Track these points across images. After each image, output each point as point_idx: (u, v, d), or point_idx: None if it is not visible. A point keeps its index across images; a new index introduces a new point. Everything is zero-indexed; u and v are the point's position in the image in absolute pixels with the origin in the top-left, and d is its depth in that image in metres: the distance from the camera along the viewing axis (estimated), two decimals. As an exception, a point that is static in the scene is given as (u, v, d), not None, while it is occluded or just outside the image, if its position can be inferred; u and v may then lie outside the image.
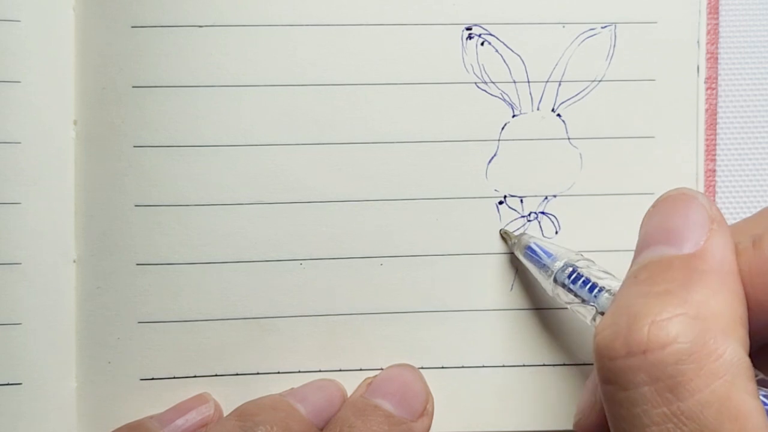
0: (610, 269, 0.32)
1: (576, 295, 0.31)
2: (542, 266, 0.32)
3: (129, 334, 0.34)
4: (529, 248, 0.33)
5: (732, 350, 0.23)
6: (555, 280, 0.31)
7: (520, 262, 0.34)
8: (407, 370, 0.34)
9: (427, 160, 0.34)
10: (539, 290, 0.35)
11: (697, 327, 0.23)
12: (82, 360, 0.34)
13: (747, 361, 0.23)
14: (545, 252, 0.32)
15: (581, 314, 0.31)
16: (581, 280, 0.30)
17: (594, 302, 0.30)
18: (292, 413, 0.32)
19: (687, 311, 0.23)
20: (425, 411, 0.33)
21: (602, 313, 0.29)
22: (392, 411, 0.32)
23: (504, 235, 0.34)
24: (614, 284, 0.30)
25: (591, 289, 0.30)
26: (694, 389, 0.23)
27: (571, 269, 0.31)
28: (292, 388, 0.33)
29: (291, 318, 0.34)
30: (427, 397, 0.33)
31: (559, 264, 0.31)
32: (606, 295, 0.30)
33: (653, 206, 0.27)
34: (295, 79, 0.34)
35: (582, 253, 0.32)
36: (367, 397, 0.32)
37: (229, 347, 0.34)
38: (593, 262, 0.31)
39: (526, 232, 0.34)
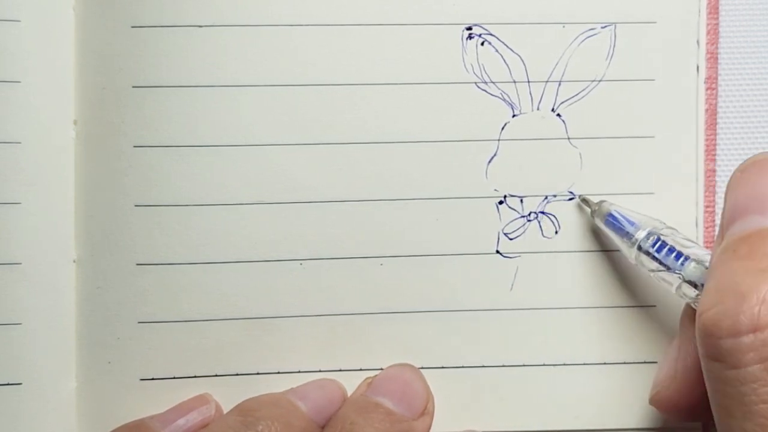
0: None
1: (661, 263, 0.30)
2: (625, 234, 0.32)
3: (129, 334, 0.34)
4: (611, 215, 0.33)
5: None
6: (639, 248, 0.31)
7: (524, 254, 0.34)
8: (408, 370, 0.34)
9: (427, 160, 0.34)
10: (539, 290, 0.35)
11: None
12: (82, 360, 0.34)
13: None
14: (628, 220, 0.32)
15: (666, 282, 0.31)
16: (666, 248, 0.30)
17: (680, 271, 0.30)
18: (293, 410, 0.32)
19: None
20: (426, 410, 0.33)
21: (689, 282, 0.29)
22: (393, 409, 0.32)
23: (582, 203, 0.34)
24: (700, 252, 0.30)
25: (677, 258, 0.30)
26: None
27: (655, 237, 0.31)
28: (293, 387, 0.33)
29: (291, 318, 0.34)
30: (428, 397, 0.33)
31: (642, 232, 0.31)
32: (693, 264, 0.30)
33: (740, 171, 0.27)
34: (295, 79, 0.34)
35: (664, 222, 0.32)
36: (368, 396, 0.33)
37: (229, 347, 0.34)
38: (676, 230, 0.31)
39: (605, 199, 0.34)
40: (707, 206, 0.35)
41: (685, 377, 0.30)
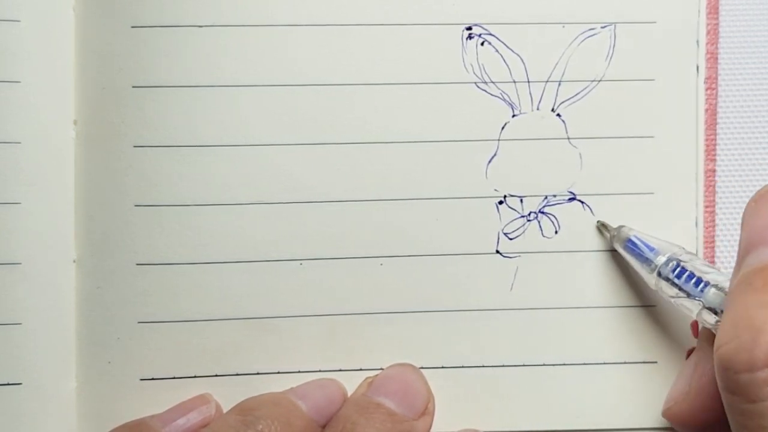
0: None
1: (681, 289, 0.31)
2: (645, 260, 0.32)
3: (129, 334, 0.34)
4: (630, 241, 0.33)
5: None
6: (659, 274, 0.31)
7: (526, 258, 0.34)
8: (409, 369, 0.34)
9: (427, 160, 0.34)
10: (539, 290, 0.35)
11: None
12: (82, 360, 0.34)
13: None
14: (647, 245, 0.32)
15: (686, 308, 0.31)
16: (686, 274, 0.31)
17: (700, 297, 0.30)
18: (293, 409, 0.32)
19: None
20: (427, 410, 0.33)
21: (709, 308, 0.30)
22: (394, 409, 0.32)
23: (601, 228, 0.34)
24: (720, 278, 0.30)
25: (697, 284, 0.30)
26: None
27: (675, 263, 0.31)
28: (293, 387, 0.33)
29: (291, 318, 0.34)
30: (429, 396, 0.33)
31: (662, 258, 0.31)
32: (713, 290, 0.30)
33: (755, 201, 0.27)
34: (295, 79, 0.34)
35: (683, 247, 0.32)
36: (369, 396, 0.33)
37: (229, 347, 0.34)
38: (696, 255, 0.32)
39: (625, 224, 0.34)
40: (707, 206, 0.35)
41: (698, 395, 0.30)
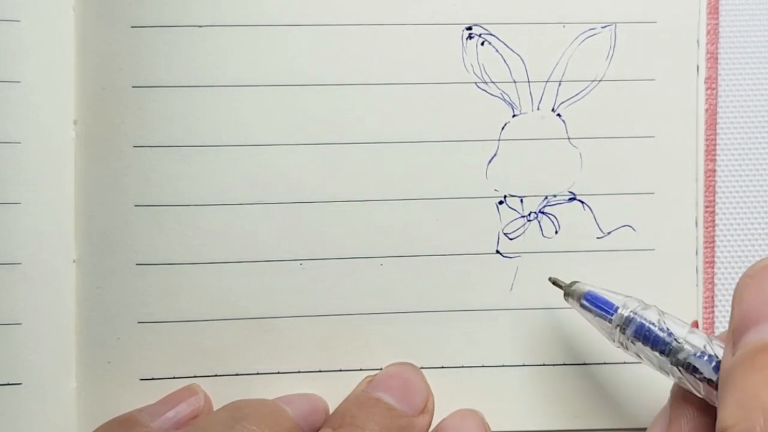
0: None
1: (644, 345, 0.29)
2: (603, 317, 0.30)
3: (129, 334, 0.34)
4: (587, 298, 0.31)
5: None
6: (622, 331, 0.30)
7: (521, 261, 0.34)
8: (409, 368, 0.34)
9: (427, 160, 0.34)
10: (540, 290, 0.35)
11: None
12: (82, 360, 0.34)
13: None
14: (604, 302, 0.30)
15: (651, 364, 0.30)
16: (646, 331, 0.29)
17: (669, 353, 0.29)
18: (281, 411, 0.32)
19: None
20: (426, 408, 0.33)
21: (678, 365, 0.28)
22: (394, 404, 0.32)
23: (554, 283, 0.32)
24: (682, 331, 0.29)
25: (664, 341, 0.29)
26: None
27: (635, 319, 0.29)
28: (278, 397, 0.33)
29: (291, 318, 0.34)
30: (428, 394, 0.33)
31: (624, 312, 0.30)
32: (677, 344, 0.28)
33: (749, 277, 0.26)
34: (295, 79, 0.34)
35: (643, 300, 0.30)
36: (368, 391, 0.33)
37: (229, 347, 0.34)
38: (656, 307, 0.30)
39: (579, 280, 0.32)
40: (707, 206, 0.35)
41: None
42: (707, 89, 0.35)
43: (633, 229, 0.35)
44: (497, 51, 0.34)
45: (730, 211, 0.36)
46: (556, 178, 0.35)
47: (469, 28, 0.34)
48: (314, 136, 0.34)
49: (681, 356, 0.28)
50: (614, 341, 0.30)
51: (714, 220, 0.35)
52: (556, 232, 0.35)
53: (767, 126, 0.36)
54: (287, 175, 0.34)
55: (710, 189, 0.35)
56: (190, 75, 0.34)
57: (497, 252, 0.35)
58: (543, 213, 0.35)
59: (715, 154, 0.35)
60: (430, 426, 0.33)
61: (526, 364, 0.35)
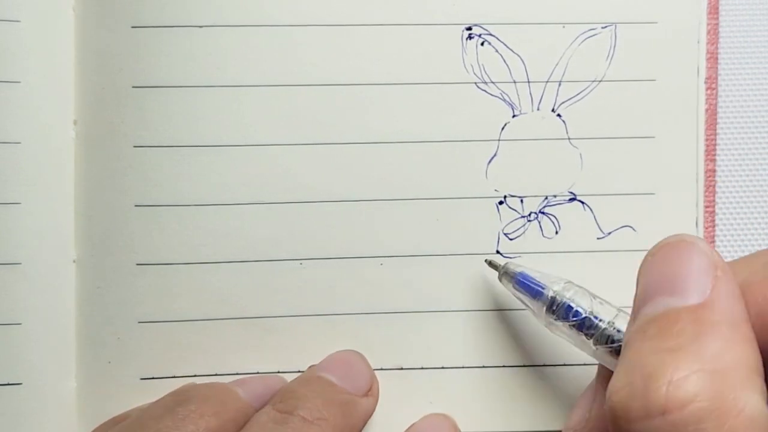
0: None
1: (569, 328, 0.30)
2: (534, 296, 0.31)
3: (129, 334, 0.34)
4: (518, 280, 0.32)
5: (752, 403, 0.22)
6: (547, 312, 0.31)
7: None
8: (352, 353, 0.34)
9: (427, 160, 0.34)
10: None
11: (716, 383, 0.23)
12: (82, 360, 0.34)
13: (767, 412, 0.23)
14: (534, 282, 0.32)
15: (577, 345, 0.30)
16: (572, 312, 0.30)
17: (589, 335, 0.30)
18: (228, 392, 0.31)
19: (703, 367, 0.23)
20: (371, 391, 0.33)
21: (603, 343, 0.29)
22: (336, 382, 0.32)
23: (489, 265, 0.33)
24: (609, 313, 0.30)
25: (581, 323, 0.30)
26: None
27: (561, 301, 0.31)
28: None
29: (291, 318, 0.34)
30: (372, 379, 0.33)
31: (550, 293, 0.31)
32: (597, 322, 0.29)
33: (651, 255, 0.27)
34: (295, 79, 0.34)
35: (571, 281, 0.31)
36: (312, 371, 0.33)
37: (229, 347, 0.34)
38: (581, 288, 0.31)
39: (510, 260, 0.33)
40: (707, 206, 0.35)
41: (597, 424, 0.29)
42: (707, 89, 0.35)
43: (633, 229, 0.35)
44: (497, 51, 0.34)
45: (730, 211, 0.36)
46: (556, 179, 0.35)
47: (469, 29, 0.34)
48: (314, 136, 0.34)
49: (599, 334, 0.29)
50: (543, 321, 0.31)
51: (714, 220, 0.35)
52: (557, 233, 0.35)
53: (767, 126, 0.36)
54: (287, 175, 0.34)
55: (710, 189, 0.35)
56: (190, 75, 0.34)
57: (497, 252, 0.35)
58: (543, 213, 0.35)
59: (715, 154, 0.35)
60: (373, 411, 0.33)
61: (526, 364, 0.35)
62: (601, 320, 0.30)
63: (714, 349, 0.23)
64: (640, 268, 0.27)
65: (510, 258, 0.35)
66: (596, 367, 0.31)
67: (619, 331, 0.29)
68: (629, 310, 0.27)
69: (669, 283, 0.25)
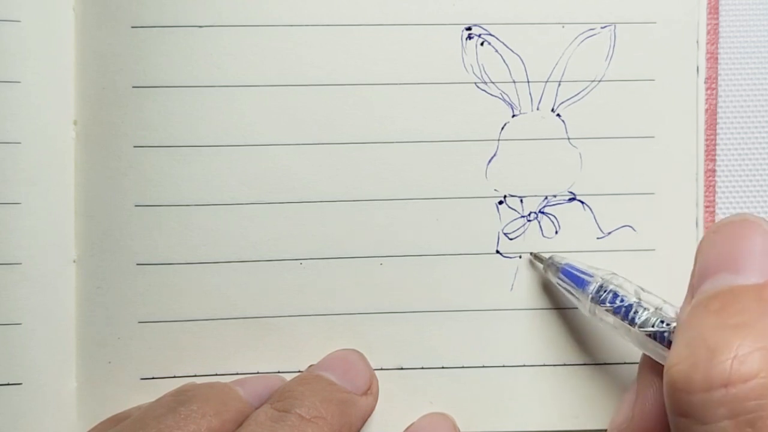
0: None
1: (617, 316, 0.30)
2: (579, 288, 0.32)
3: (129, 334, 0.34)
4: (564, 270, 0.33)
5: None
6: (593, 301, 0.31)
7: (525, 264, 0.34)
8: (351, 352, 0.34)
9: (427, 160, 0.34)
10: (540, 290, 0.35)
11: None
12: (82, 360, 0.34)
13: None
14: (581, 272, 0.32)
15: (622, 336, 0.31)
16: (619, 299, 0.30)
17: (638, 321, 0.30)
18: (229, 391, 0.31)
19: (766, 344, 0.23)
20: (370, 390, 0.33)
21: (649, 334, 0.29)
22: (335, 380, 0.32)
23: (534, 258, 0.34)
24: (655, 301, 0.30)
25: (628, 310, 0.30)
26: None
27: (608, 289, 0.31)
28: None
29: (291, 318, 0.34)
30: (371, 378, 0.33)
31: (594, 285, 0.31)
32: (652, 317, 0.29)
33: (714, 231, 0.27)
34: (295, 79, 0.34)
35: (616, 273, 0.32)
36: (310, 370, 0.33)
37: (229, 347, 0.34)
38: (627, 279, 0.31)
39: (554, 253, 0.34)
40: (707, 206, 0.35)
41: (641, 422, 0.30)
42: (707, 89, 0.35)
43: (633, 229, 0.35)
44: (497, 51, 0.34)
45: (730, 211, 0.36)
46: (556, 178, 0.35)
47: (469, 29, 0.34)
48: (314, 136, 0.34)
49: (645, 321, 0.29)
50: (587, 312, 0.32)
51: (714, 220, 0.35)
52: (556, 233, 0.35)
53: (767, 126, 0.36)
54: (287, 175, 0.34)
55: (710, 189, 0.35)
56: (190, 75, 0.34)
57: (497, 252, 0.35)
58: (543, 213, 0.35)
59: (715, 154, 0.35)
60: (373, 410, 0.33)
61: (526, 364, 0.35)
62: (647, 308, 0.30)
63: None
64: (700, 245, 0.27)
65: (510, 258, 0.35)
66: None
67: (662, 321, 0.29)
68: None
69: (731, 261, 0.26)
